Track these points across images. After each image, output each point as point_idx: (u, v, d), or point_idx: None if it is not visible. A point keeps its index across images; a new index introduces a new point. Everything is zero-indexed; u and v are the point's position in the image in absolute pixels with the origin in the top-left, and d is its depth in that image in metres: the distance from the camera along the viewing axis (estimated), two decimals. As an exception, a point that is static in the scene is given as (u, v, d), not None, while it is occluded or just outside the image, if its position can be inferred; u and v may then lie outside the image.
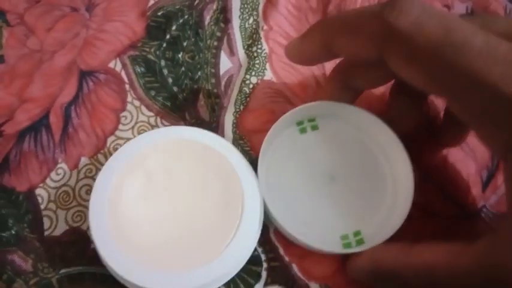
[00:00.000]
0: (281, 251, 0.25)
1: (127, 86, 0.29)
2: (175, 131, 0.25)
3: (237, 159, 0.25)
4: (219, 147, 0.25)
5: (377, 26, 0.19)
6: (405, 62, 0.19)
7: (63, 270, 0.24)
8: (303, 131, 0.27)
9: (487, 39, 0.17)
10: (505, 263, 0.17)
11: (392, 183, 0.26)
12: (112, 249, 0.22)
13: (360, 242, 0.25)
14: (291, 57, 0.25)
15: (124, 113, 0.28)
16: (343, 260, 0.25)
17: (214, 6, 0.31)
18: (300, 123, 0.27)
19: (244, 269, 0.25)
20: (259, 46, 0.30)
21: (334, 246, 0.24)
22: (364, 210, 0.25)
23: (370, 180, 0.26)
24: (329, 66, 0.29)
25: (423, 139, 0.27)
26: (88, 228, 0.24)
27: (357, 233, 0.25)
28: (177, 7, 0.31)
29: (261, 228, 0.24)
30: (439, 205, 0.26)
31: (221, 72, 0.30)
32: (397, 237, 0.24)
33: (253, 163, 0.25)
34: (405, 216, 0.23)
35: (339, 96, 0.25)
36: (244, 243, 0.23)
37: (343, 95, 0.26)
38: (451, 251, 0.20)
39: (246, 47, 0.30)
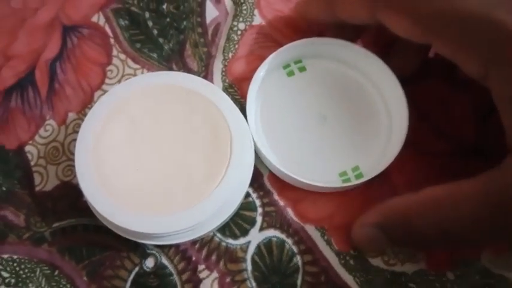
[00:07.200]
0: (275, 196, 0.25)
1: (112, 40, 0.28)
2: (160, 76, 0.24)
3: (224, 104, 0.24)
4: (205, 92, 0.24)
5: None
6: (396, 15, 0.21)
7: (55, 224, 0.24)
8: (290, 73, 0.26)
9: None
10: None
11: (387, 115, 0.25)
12: (100, 197, 0.21)
13: (359, 176, 0.24)
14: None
15: (110, 67, 0.27)
16: (339, 201, 0.24)
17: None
18: (286, 66, 0.26)
19: (238, 215, 0.24)
20: (246, -8, 0.29)
21: (333, 183, 0.24)
22: (360, 146, 0.25)
23: (364, 116, 0.25)
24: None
25: (420, 79, 0.26)
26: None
27: (355, 168, 0.24)
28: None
29: (251, 172, 0.24)
30: (433, 143, 0.25)
31: (207, 20, 0.29)
32: (391, 177, 0.24)
33: (244, 111, 0.24)
34: (401, 145, 0.23)
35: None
36: (233, 188, 0.22)
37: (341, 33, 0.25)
38: (453, 184, 0.20)
39: (232, -7, 0.29)
